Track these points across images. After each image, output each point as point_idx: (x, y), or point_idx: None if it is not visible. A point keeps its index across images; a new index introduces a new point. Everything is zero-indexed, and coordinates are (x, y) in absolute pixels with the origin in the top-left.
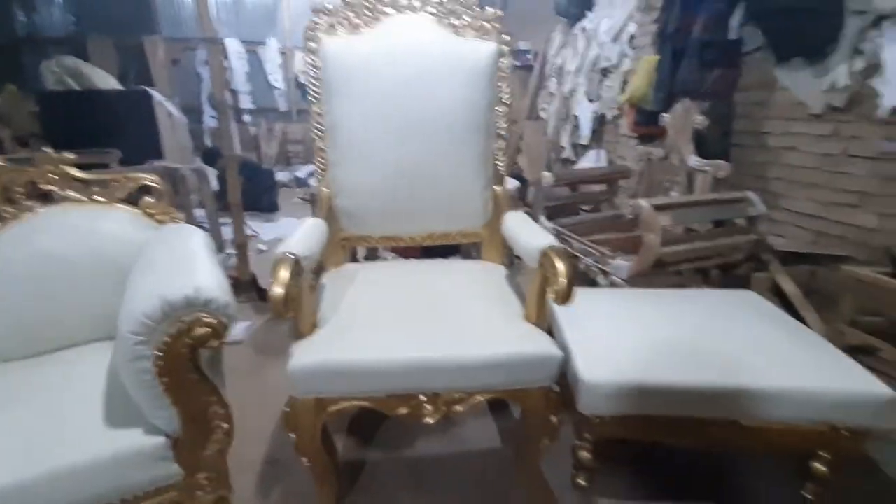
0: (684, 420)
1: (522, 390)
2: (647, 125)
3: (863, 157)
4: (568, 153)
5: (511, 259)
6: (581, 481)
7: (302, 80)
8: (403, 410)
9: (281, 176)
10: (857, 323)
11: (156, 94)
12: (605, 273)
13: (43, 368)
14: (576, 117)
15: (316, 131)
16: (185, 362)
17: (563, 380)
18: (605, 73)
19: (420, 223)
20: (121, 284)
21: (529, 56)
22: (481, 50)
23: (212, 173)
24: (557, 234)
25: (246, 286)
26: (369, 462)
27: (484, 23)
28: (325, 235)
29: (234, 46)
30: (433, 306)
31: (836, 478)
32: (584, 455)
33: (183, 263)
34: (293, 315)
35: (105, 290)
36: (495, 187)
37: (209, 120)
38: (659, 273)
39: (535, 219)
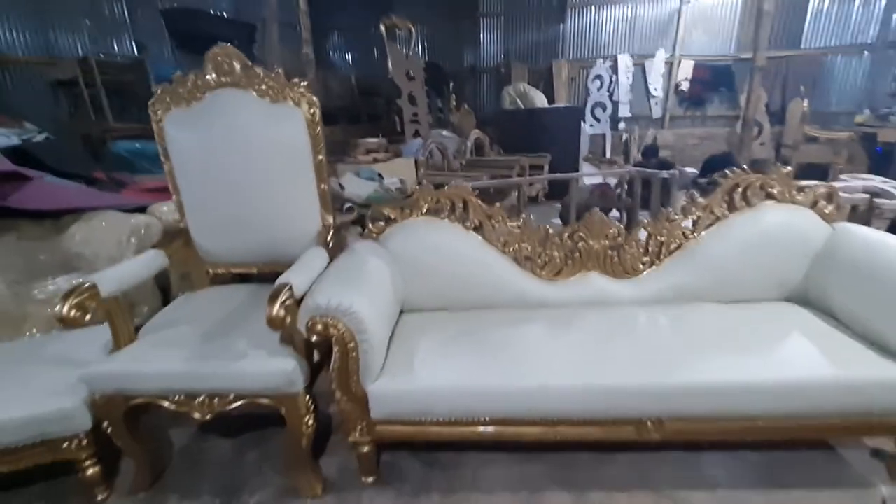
0: None
1: None
2: None
3: None
4: None
5: None
6: None
7: (683, 87)
8: None
9: None
10: None
11: None
12: None
13: (743, 312)
14: None
15: None
16: None
17: None
18: None
19: None
20: (805, 261)
21: None
22: None
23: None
24: None
25: None
26: None
27: None
28: None
29: (624, 61)
30: None
31: None
32: None
33: None
34: None
35: (791, 263)
36: None
37: (587, 128)
38: None
39: None
